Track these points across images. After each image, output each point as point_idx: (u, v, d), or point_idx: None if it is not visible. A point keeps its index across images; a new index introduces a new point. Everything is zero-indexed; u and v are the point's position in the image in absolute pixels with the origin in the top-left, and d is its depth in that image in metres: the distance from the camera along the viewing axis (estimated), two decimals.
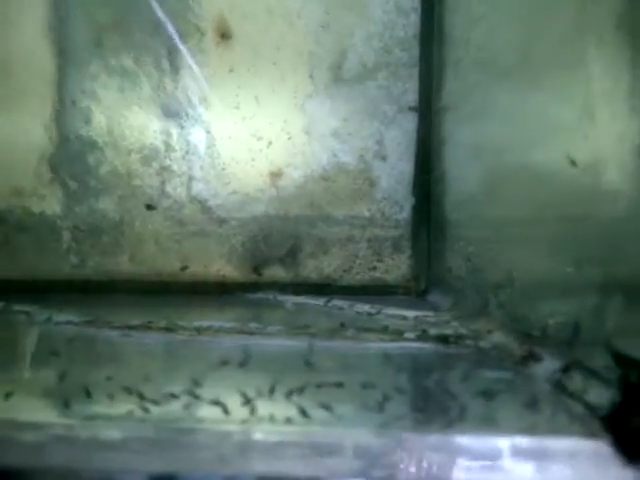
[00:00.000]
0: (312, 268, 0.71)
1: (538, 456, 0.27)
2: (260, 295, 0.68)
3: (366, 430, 0.29)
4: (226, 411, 0.32)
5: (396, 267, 0.71)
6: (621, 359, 0.27)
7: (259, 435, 0.30)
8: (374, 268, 0.71)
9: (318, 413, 0.31)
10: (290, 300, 0.64)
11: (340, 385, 0.35)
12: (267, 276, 0.71)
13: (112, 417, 0.30)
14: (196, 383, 0.36)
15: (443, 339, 0.43)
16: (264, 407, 0.33)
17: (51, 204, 0.70)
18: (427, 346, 0.42)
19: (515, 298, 0.42)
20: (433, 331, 0.45)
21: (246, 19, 0.69)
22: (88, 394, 0.34)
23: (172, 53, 0.69)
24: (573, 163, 0.31)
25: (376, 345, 0.43)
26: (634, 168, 0.28)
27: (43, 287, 0.69)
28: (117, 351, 0.47)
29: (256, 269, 0.71)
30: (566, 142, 0.37)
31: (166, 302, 0.65)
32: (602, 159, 0.33)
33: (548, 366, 0.34)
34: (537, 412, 0.30)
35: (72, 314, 0.53)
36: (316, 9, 0.70)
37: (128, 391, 0.34)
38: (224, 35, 0.69)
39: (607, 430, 0.25)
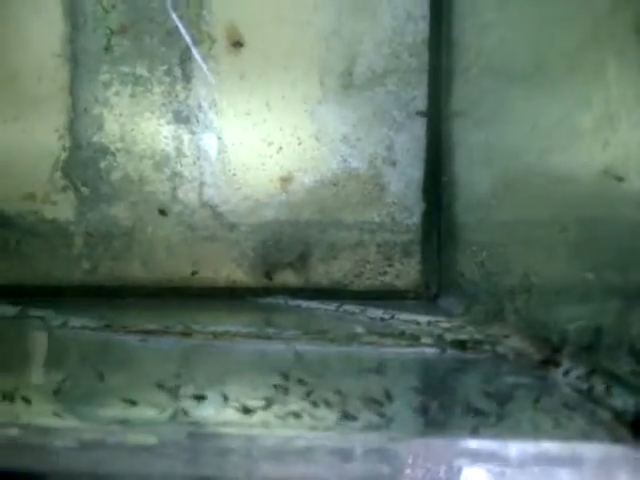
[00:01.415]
0: (322, 273, 0.71)
1: (562, 461, 0.27)
2: (270, 300, 0.68)
3: (378, 435, 0.29)
4: (246, 411, 0.32)
5: (406, 272, 0.72)
6: None
7: (273, 439, 0.30)
8: (384, 273, 0.72)
9: (332, 417, 0.32)
10: (301, 305, 0.64)
11: (356, 390, 0.35)
12: (277, 281, 0.71)
13: (131, 421, 0.31)
14: (216, 385, 0.37)
15: (460, 344, 0.43)
16: (277, 411, 0.33)
17: (64, 210, 0.70)
18: (444, 351, 0.43)
19: (532, 303, 0.43)
20: (449, 336, 0.45)
21: (257, 26, 0.70)
22: (104, 398, 0.34)
23: (184, 60, 0.70)
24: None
25: (393, 350, 0.43)
26: None
27: (55, 292, 0.69)
28: (133, 356, 0.47)
29: (267, 274, 0.71)
30: (586, 147, 0.37)
31: (177, 307, 0.66)
32: (622, 163, 0.33)
33: (568, 371, 0.34)
34: (558, 417, 0.30)
35: (87, 319, 0.53)
36: (326, 16, 0.70)
37: (149, 394, 0.35)
38: (236, 43, 0.70)
39: (636, 436, 0.25)
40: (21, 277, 0.69)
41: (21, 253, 0.70)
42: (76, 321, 0.53)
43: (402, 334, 0.46)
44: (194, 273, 0.71)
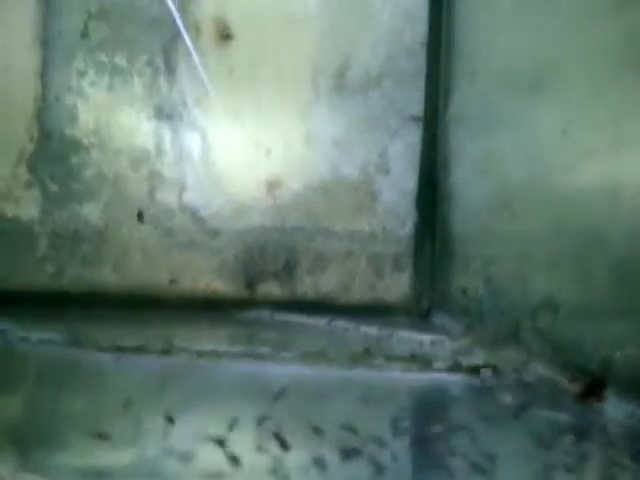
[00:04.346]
0: (309, 285, 0.67)
1: None
2: (254, 313, 0.63)
3: None
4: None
5: (397, 286, 0.68)
6: None
7: None
8: (374, 286, 0.67)
9: None
10: (289, 320, 0.60)
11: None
12: (260, 292, 0.67)
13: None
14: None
15: (477, 371, 0.39)
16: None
17: (28, 208, 0.64)
18: (459, 379, 0.39)
19: (558, 324, 0.39)
20: (465, 361, 0.41)
21: (248, 21, 0.65)
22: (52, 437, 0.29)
23: (167, 51, 0.65)
24: None
25: (402, 376, 0.39)
26: None
27: (15, 298, 0.63)
28: (101, 377, 0.42)
29: (249, 284, 0.67)
30: (586, 159, 0.34)
31: (152, 318, 0.60)
32: (617, 178, 0.30)
33: (617, 409, 0.30)
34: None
35: (52, 332, 0.48)
36: (321, 13, 0.66)
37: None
38: (224, 36, 0.65)
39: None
40: None
41: None
42: (38, 334, 0.47)
43: (413, 357, 0.41)
44: (172, 282, 0.66)
